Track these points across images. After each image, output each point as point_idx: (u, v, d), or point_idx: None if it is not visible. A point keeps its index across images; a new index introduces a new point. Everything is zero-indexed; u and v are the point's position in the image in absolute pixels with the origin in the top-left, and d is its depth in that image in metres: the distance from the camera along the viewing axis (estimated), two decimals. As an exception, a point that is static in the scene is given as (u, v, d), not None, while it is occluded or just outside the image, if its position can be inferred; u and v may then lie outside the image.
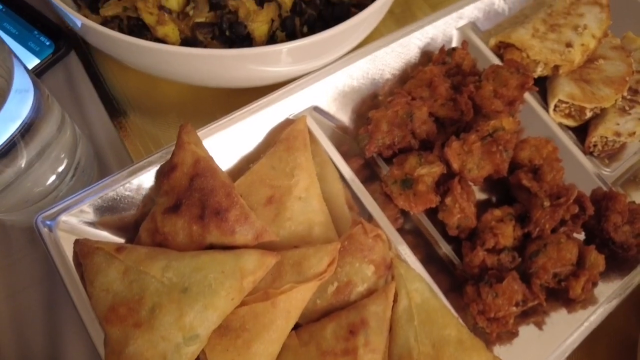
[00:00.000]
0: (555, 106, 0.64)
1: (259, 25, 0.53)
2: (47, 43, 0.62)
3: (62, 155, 0.50)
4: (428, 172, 0.53)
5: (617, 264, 0.55)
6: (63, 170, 0.51)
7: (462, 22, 0.66)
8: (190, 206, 0.42)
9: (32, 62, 0.61)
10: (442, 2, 0.77)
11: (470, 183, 0.55)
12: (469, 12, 0.66)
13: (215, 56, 0.49)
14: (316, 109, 0.57)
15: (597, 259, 0.52)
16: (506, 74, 0.58)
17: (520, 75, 0.58)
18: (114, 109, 0.61)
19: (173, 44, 0.54)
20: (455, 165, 0.53)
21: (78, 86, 0.63)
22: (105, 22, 0.56)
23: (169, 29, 0.53)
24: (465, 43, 0.61)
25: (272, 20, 0.55)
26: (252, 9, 0.53)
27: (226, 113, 0.52)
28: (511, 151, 0.54)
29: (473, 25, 0.66)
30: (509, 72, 0.58)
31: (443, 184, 0.55)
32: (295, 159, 0.50)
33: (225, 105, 0.57)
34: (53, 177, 0.50)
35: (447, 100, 0.58)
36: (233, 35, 0.53)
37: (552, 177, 0.53)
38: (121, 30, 0.57)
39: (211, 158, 0.47)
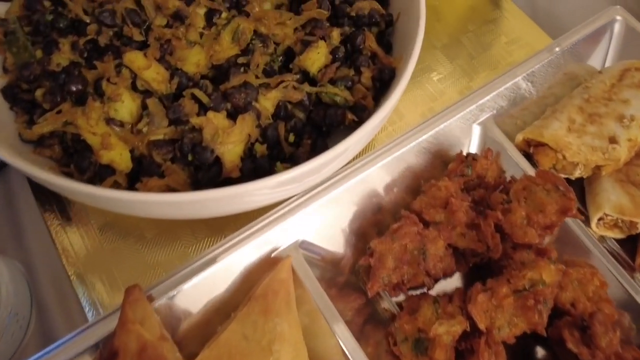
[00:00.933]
0: (599, 219, 0.52)
1: (231, 147, 0.42)
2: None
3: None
4: (447, 330, 0.42)
5: None
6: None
7: (483, 115, 0.54)
8: None
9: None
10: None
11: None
12: (491, 103, 0.54)
13: (170, 202, 0.38)
14: (304, 243, 0.46)
15: None
16: (541, 194, 0.46)
17: (560, 196, 0.46)
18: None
19: (122, 171, 0.43)
20: (482, 325, 0.41)
21: (18, 203, 0.52)
22: (42, 140, 0.45)
23: (116, 154, 0.42)
24: (489, 151, 0.50)
25: (249, 135, 0.44)
26: (221, 127, 0.42)
27: (195, 233, 0.41)
28: (551, 301, 0.43)
29: (496, 117, 0.55)
30: (545, 190, 0.47)
31: (465, 340, 0.43)
32: (275, 327, 0.39)
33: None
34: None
35: (468, 229, 0.46)
36: (197, 161, 0.42)
37: (608, 342, 0.41)
38: (64, 148, 0.46)
39: (163, 340, 0.36)
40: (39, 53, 0.47)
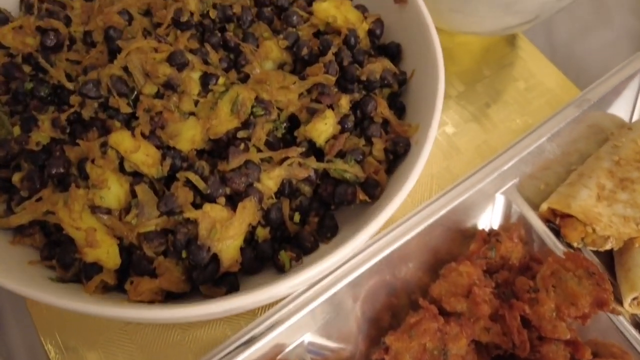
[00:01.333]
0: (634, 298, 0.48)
1: (230, 243, 0.38)
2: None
3: None
4: None
5: None
6: None
7: (506, 183, 0.50)
8: None
9: None
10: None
11: None
12: (513, 170, 0.50)
13: (167, 319, 0.33)
14: (311, 345, 0.41)
15: None
16: (572, 283, 0.42)
17: (594, 285, 0.42)
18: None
19: (110, 269, 0.38)
20: None
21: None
22: (21, 228, 0.41)
23: (102, 253, 0.38)
24: (514, 232, 0.45)
25: (250, 224, 0.40)
26: (219, 219, 0.38)
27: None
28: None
29: (519, 185, 0.51)
30: (576, 277, 0.43)
31: None
32: None
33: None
34: None
35: (492, 321, 0.42)
36: (191, 259, 0.38)
37: None
38: (46, 235, 0.41)
39: None
40: (16, 130, 0.42)
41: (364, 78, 0.47)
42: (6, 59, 0.46)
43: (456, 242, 0.49)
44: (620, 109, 0.61)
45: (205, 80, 0.45)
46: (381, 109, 0.46)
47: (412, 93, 0.50)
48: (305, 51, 0.47)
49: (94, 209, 0.39)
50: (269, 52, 0.48)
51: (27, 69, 0.46)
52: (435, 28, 0.47)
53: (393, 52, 0.51)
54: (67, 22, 0.48)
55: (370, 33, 0.52)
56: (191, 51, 0.45)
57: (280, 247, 0.42)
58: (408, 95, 0.50)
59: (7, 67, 0.44)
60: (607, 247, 0.49)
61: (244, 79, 0.47)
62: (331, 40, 0.48)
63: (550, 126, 0.52)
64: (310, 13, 0.50)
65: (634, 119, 0.60)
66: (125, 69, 0.44)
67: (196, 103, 0.44)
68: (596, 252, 0.51)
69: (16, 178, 0.41)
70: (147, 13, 0.49)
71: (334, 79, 0.46)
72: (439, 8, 0.56)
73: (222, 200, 0.40)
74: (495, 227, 0.50)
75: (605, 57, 0.70)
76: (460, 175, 0.50)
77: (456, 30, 0.60)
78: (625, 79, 0.58)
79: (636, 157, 0.52)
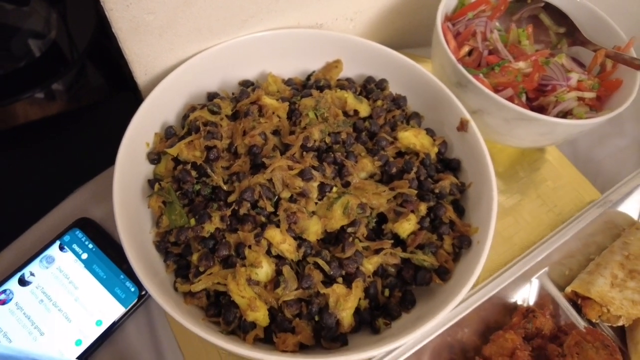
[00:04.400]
0: (640, 367, 0.63)
1: (348, 312, 0.54)
2: (132, 289, 0.64)
3: None
4: None
5: None
6: None
7: (539, 270, 0.65)
8: None
9: (118, 311, 0.63)
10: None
11: None
12: (545, 260, 0.66)
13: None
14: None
15: None
16: (591, 352, 0.57)
17: (608, 355, 0.57)
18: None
19: (262, 326, 0.55)
20: None
21: (158, 332, 0.64)
22: (192, 293, 0.57)
23: (260, 315, 0.54)
24: (546, 310, 0.61)
25: (359, 298, 0.56)
26: (341, 294, 0.54)
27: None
28: None
29: (549, 271, 0.66)
30: (594, 347, 0.58)
31: None
32: None
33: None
34: None
35: (532, 378, 0.57)
36: (322, 323, 0.54)
37: None
38: (208, 297, 0.58)
39: None
40: (192, 221, 0.60)
41: (437, 190, 0.64)
42: (173, 165, 0.65)
43: (501, 314, 0.64)
44: (631, 207, 0.77)
45: (323, 188, 0.62)
46: (449, 213, 0.63)
47: (469, 199, 0.66)
48: (394, 170, 0.64)
49: (250, 282, 0.56)
50: (365, 166, 0.65)
51: (193, 173, 0.64)
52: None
53: (455, 166, 0.69)
54: (220, 138, 0.66)
55: (438, 152, 0.69)
56: (313, 167, 0.63)
57: (375, 314, 0.58)
58: (467, 200, 0.67)
59: (183, 173, 0.63)
60: (619, 323, 0.64)
61: (346, 185, 0.64)
62: (412, 161, 0.65)
63: (576, 224, 0.68)
64: (395, 137, 0.67)
65: (642, 217, 0.76)
66: (269, 179, 0.61)
67: (315, 204, 0.62)
68: (612, 327, 0.66)
69: (194, 258, 0.58)
70: (276, 132, 0.68)
71: (415, 192, 0.63)
72: (486, 130, 0.73)
73: (340, 279, 0.56)
74: (532, 304, 0.65)
75: (618, 161, 0.86)
76: (499, 260, 0.66)
77: (499, 144, 0.77)
78: (637, 185, 0.74)
79: (641, 253, 0.68)
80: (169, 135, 0.67)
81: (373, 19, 0.87)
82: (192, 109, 0.69)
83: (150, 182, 0.65)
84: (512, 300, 0.65)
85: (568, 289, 0.65)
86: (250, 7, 0.70)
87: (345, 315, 0.54)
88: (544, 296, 0.65)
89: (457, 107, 0.68)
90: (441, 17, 0.74)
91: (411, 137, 0.67)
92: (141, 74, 0.69)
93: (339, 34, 0.75)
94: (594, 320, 0.64)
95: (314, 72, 0.79)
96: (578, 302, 0.65)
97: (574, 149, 0.87)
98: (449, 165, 0.69)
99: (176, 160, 0.66)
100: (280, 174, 0.60)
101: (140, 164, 0.65)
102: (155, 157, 0.66)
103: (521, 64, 0.70)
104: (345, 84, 0.75)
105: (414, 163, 0.65)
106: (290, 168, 0.61)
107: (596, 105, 0.73)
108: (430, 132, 0.71)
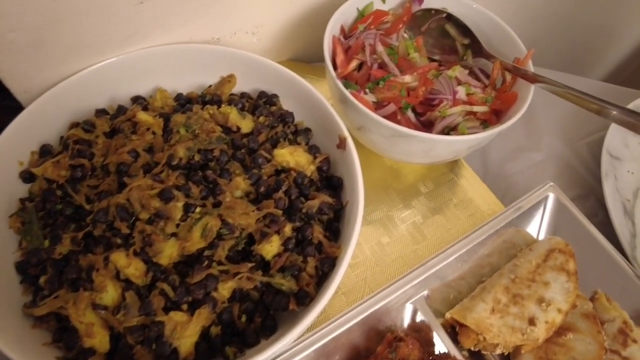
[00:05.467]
0: (518, 397, 0.59)
1: (186, 340, 0.52)
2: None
3: None
4: None
5: None
6: None
7: (416, 294, 0.63)
8: None
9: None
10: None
11: None
12: (423, 283, 0.63)
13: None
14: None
15: None
16: (452, 383, 0.54)
17: (467, 386, 0.54)
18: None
19: (101, 352, 0.53)
20: None
21: None
22: (41, 316, 0.56)
23: (97, 341, 0.52)
24: (409, 338, 0.58)
25: (203, 325, 0.54)
26: (179, 322, 0.52)
27: None
28: None
29: (430, 295, 0.63)
30: (456, 378, 0.55)
31: None
32: None
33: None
34: None
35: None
36: (157, 351, 0.52)
37: None
38: (59, 322, 0.56)
39: None
40: (46, 242, 0.58)
41: (305, 210, 0.61)
42: (46, 184, 0.64)
43: (373, 340, 0.61)
44: (532, 228, 0.73)
45: (187, 208, 0.60)
46: (316, 233, 0.61)
47: (344, 221, 0.64)
48: (262, 189, 0.62)
49: (95, 306, 0.54)
50: (239, 185, 0.63)
51: (59, 192, 0.63)
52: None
53: (336, 185, 0.67)
54: (91, 156, 0.65)
55: (319, 169, 0.67)
56: (178, 187, 0.61)
57: (228, 341, 0.56)
58: (342, 222, 0.64)
59: (46, 193, 0.61)
60: (497, 352, 0.61)
61: (217, 204, 0.62)
62: (283, 179, 0.63)
63: (458, 248, 0.65)
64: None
65: (541, 236, 0.73)
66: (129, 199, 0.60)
67: (177, 225, 0.60)
68: (501, 355, 0.63)
69: (42, 280, 0.56)
70: (150, 150, 0.66)
71: (281, 211, 0.61)
72: (375, 147, 0.71)
73: (185, 306, 0.54)
74: (405, 330, 0.62)
75: (530, 176, 0.83)
76: (384, 282, 0.64)
77: (394, 160, 0.75)
78: (533, 205, 0.71)
79: (528, 276, 0.64)
80: (44, 153, 0.66)
81: (279, 33, 0.85)
82: (71, 126, 0.69)
83: (22, 201, 0.64)
84: (386, 326, 0.62)
85: (447, 315, 0.62)
86: (131, 23, 0.69)
87: (183, 343, 0.52)
88: (419, 323, 0.62)
89: (337, 124, 0.66)
90: (331, 30, 0.72)
91: (286, 155, 0.64)
92: (20, 91, 0.69)
93: (229, 49, 0.74)
94: (471, 349, 0.61)
95: (210, 86, 0.77)
96: (456, 329, 0.62)
97: (485, 162, 0.84)
98: (331, 182, 0.67)
99: (51, 179, 0.65)
100: (137, 194, 0.59)
101: (11, 183, 0.64)
102: (26, 175, 0.65)
103: (407, 78, 0.68)
104: (235, 99, 0.74)
105: (285, 181, 0.63)
106: (151, 188, 0.60)
107: (492, 120, 0.70)
108: (314, 149, 0.69)
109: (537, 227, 0.73)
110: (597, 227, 0.73)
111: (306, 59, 0.91)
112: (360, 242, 0.73)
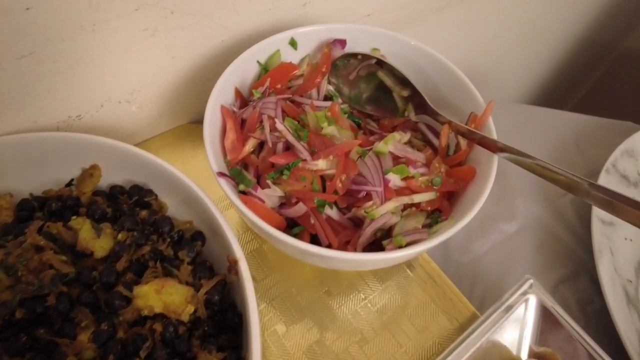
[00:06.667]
0: None
1: None
2: None
3: None
4: None
5: None
6: None
7: None
8: None
9: None
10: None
11: None
12: None
13: None
14: None
15: None
16: None
17: None
18: None
19: None
20: None
21: None
22: None
23: None
24: None
25: None
26: None
27: None
28: None
29: None
30: None
31: None
32: None
33: None
34: None
35: None
36: None
37: None
38: None
39: None
40: None
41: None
42: None
43: None
44: (509, 335, 0.55)
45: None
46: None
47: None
48: (111, 357, 0.42)
49: None
50: (83, 346, 0.44)
51: None
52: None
53: (234, 325, 0.47)
54: None
55: (208, 303, 0.48)
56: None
57: None
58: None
59: None
60: None
61: None
62: (146, 334, 0.44)
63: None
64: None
65: (524, 348, 0.54)
66: None
67: None
68: None
69: None
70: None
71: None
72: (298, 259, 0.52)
73: None
74: None
75: (504, 255, 0.65)
76: None
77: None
78: (513, 310, 0.53)
79: None
80: None
81: (165, 95, 0.65)
82: None
83: None
84: None
85: None
86: None
87: None
88: None
89: (227, 239, 0.47)
90: (217, 99, 0.53)
91: (150, 295, 0.45)
92: None
93: (82, 136, 0.54)
94: None
95: (72, 180, 0.58)
96: None
97: (445, 244, 0.66)
98: (224, 324, 0.48)
99: None
100: None
101: None
102: None
103: (321, 164, 0.49)
104: (99, 201, 0.54)
105: (149, 339, 0.44)
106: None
107: (444, 207, 0.52)
108: (201, 269, 0.49)
109: (517, 337, 0.55)
110: (594, 316, 0.56)
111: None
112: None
